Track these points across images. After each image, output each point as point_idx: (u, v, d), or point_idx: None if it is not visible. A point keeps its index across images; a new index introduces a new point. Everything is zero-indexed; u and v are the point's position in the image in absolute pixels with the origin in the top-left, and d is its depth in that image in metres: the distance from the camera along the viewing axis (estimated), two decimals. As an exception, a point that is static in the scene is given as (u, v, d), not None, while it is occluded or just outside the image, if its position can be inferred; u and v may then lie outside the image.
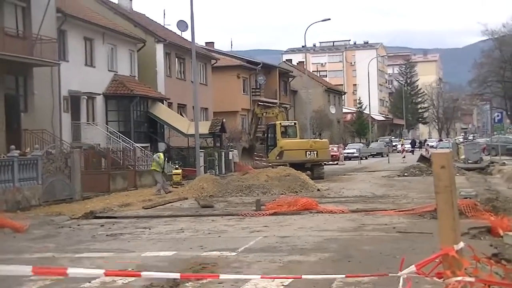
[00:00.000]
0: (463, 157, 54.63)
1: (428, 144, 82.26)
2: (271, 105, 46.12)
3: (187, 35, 56.26)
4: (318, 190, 31.71)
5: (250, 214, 21.83)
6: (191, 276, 8.99)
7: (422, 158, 44.73)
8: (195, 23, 39.90)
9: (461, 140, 79.41)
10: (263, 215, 21.60)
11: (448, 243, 4.07)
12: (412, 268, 4.38)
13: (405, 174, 41.51)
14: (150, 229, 19.22)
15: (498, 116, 54.18)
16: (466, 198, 23.66)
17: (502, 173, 40.38)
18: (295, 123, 46.73)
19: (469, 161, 51.75)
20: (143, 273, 4.92)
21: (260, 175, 33.33)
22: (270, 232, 17.67)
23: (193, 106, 57.32)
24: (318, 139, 50.93)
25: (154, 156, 36.29)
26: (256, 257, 13.84)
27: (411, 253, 13.52)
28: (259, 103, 44.47)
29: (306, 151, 41.99)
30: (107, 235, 18.30)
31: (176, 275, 4.93)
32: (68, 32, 41.23)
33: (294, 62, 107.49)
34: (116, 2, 56.20)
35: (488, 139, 58.44)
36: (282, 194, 29.40)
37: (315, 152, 42.18)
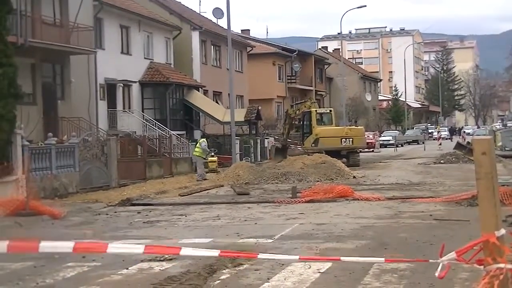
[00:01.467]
0: (500, 144, 54.02)
1: (464, 131, 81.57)
2: (303, 101, 45.85)
3: (222, 22, 56.23)
4: (354, 177, 31.66)
5: (286, 202, 21.84)
6: (229, 254, 9.00)
7: (459, 146, 44.37)
8: (230, 11, 39.83)
9: (498, 127, 78.50)
10: (299, 202, 21.59)
11: (489, 230, 4.03)
12: (452, 254, 4.34)
13: (441, 161, 41.24)
14: (186, 216, 19.29)
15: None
16: (504, 185, 23.48)
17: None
18: (330, 111, 46.63)
19: (507, 148, 51.18)
20: (183, 250, 4.96)
21: (295, 162, 33.36)
22: (307, 219, 17.66)
23: (228, 94, 57.49)
24: (353, 127, 50.74)
25: (201, 141, 36.24)
26: (292, 244, 13.84)
27: (448, 240, 13.43)
28: (291, 104, 44.52)
29: (341, 139, 41.86)
30: (143, 222, 18.40)
31: (216, 252, 4.92)
32: (105, 20, 41.45)
33: (330, 49, 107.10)
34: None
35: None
36: (318, 181, 29.40)
37: (351, 139, 42.05)
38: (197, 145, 36.09)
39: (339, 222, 16.88)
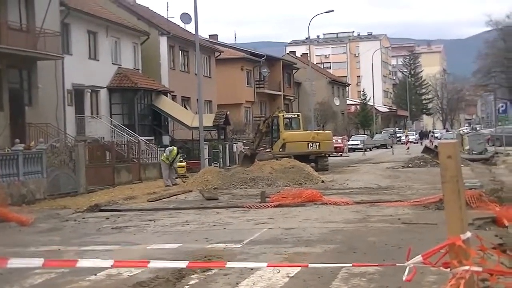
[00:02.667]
0: (467, 148, 54.47)
1: (432, 135, 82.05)
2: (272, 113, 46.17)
3: (190, 27, 56.13)
4: (323, 181, 31.72)
5: (255, 206, 21.83)
6: (198, 265, 9.00)
7: (427, 149, 44.65)
8: (198, 16, 39.80)
9: (466, 130, 79.23)
10: (268, 207, 21.61)
11: (455, 233, 4.06)
12: (419, 258, 4.37)
13: (410, 165, 41.46)
14: (155, 221, 19.22)
15: (502, 106, 54.11)
16: (471, 189, 23.66)
17: (506, 164, 40.37)
18: (298, 115, 46.70)
19: (474, 152, 51.62)
20: (151, 262, 4.94)
21: (264, 167, 33.36)
22: (275, 224, 17.68)
23: (197, 99, 57.38)
24: (321, 131, 50.90)
25: (168, 148, 36.19)
26: (261, 249, 13.85)
27: (416, 244, 13.49)
28: (264, 119, 45.01)
29: (308, 143, 41.96)
30: (112, 228, 18.32)
31: (184, 263, 4.91)
32: (72, 25, 41.21)
33: (298, 54, 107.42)
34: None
35: (492, 129, 58.31)
36: (287, 186, 29.40)
37: (318, 143, 42.14)
38: (165, 152, 36.09)
39: (308, 226, 16.91)
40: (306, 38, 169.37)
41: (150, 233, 17.08)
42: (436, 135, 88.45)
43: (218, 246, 14.38)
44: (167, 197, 27.09)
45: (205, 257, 12.85)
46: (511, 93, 78.60)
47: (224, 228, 17.31)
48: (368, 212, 19.56)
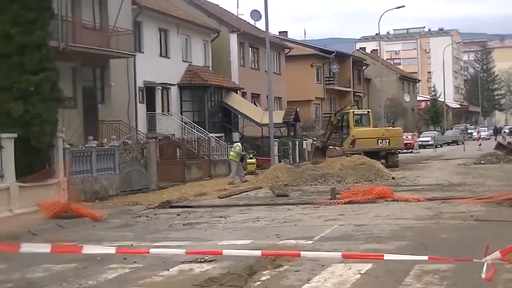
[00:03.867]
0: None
1: (505, 131, 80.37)
2: (344, 107, 46.10)
3: (260, 24, 56.35)
4: (393, 178, 31.51)
5: (325, 203, 21.80)
6: (272, 253, 9.03)
7: (499, 146, 43.93)
8: (268, 13, 39.90)
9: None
10: (338, 203, 21.55)
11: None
12: (497, 254, 4.32)
13: (482, 161, 40.80)
14: (225, 218, 19.34)
15: None
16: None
17: None
18: (368, 112, 46.50)
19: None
20: (225, 251, 5.00)
21: (334, 163, 33.28)
22: (346, 220, 17.62)
23: (267, 96, 57.56)
24: (390, 127, 50.45)
25: (235, 145, 36.41)
26: (332, 245, 13.81)
27: (490, 241, 13.27)
28: (335, 111, 45.01)
29: (378, 139, 41.79)
30: (183, 224, 18.49)
31: (257, 253, 4.95)
32: (144, 23, 41.69)
33: (368, 50, 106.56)
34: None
35: None
36: (357, 182, 29.37)
37: (388, 140, 41.95)
38: (232, 149, 36.26)
39: (379, 223, 16.82)
40: (376, 34, 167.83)
41: (221, 229, 17.20)
42: (507, 131, 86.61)
43: (289, 243, 14.40)
44: (238, 194, 27.24)
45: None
46: None
47: (295, 225, 17.32)
48: (440, 209, 19.34)
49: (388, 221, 17.22)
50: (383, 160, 39.52)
